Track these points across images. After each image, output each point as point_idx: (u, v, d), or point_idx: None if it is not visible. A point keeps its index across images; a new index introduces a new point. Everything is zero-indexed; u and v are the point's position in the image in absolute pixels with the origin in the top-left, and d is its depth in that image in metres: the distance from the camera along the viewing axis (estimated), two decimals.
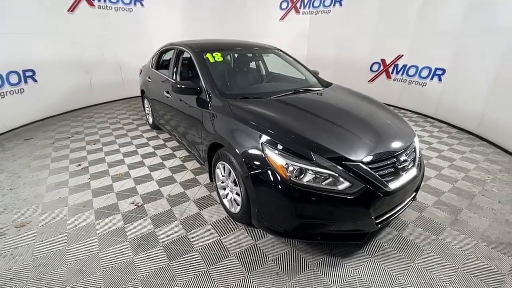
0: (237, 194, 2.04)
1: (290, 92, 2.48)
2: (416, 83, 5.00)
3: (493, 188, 2.67)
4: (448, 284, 1.64)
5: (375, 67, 5.64)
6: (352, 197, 1.56)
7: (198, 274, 1.70)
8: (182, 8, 6.77)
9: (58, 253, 1.86)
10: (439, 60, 4.54)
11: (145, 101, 4.34)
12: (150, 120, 4.26)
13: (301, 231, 1.68)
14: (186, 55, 3.00)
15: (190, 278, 1.67)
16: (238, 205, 2.04)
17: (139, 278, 1.67)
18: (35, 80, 4.54)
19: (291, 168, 1.60)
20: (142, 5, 6.01)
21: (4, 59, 4.08)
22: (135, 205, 2.39)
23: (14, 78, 4.22)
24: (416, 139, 2.06)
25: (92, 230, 2.09)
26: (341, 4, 5.81)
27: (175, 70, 3.09)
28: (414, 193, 2.03)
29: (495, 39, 3.70)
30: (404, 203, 1.91)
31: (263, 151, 1.70)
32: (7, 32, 4.08)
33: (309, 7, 6.37)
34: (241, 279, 1.67)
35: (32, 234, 2.05)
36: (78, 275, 1.69)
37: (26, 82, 4.41)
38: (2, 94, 4.07)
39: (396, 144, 1.83)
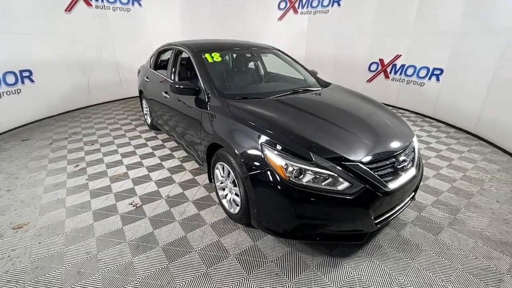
0: (236, 194, 2.03)
1: (289, 92, 2.48)
2: (414, 83, 5.02)
3: (491, 187, 2.68)
4: (447, 284, 1.64)
5: (373, 67, 5.65)
6: (351, 197, 1.56)
7: (197, 275, 1.69)
8: (180, 8, 6.76)
9: (56, 255, 1.85)
10: (437, 60, 4.55)
11: (143, 102, 4.32)
12: (149, 121, 4.25)
13: (301, 231, 1.68)
14: (184, 55, 3.00)
15: (190, 279, 1.66)
16: (237, 205, 2.03)
17: (138, 279, 1.66)
18: (32, 81, 4.51)
19: (290, 169, 1.60)
20: (140, 5, 5.99)
21: (0, 59, 4.04)
22: (134, 206, 2.38)
23: (10, 79, 4.19)
24: (415, 139, 2.06)
25: (90, 231, 2.07)
26: (339, 4, 5.81)
27: (173, 70, 3.08)
28: (413, 193, 2.03)
29: (493, 39, 3.71)
30: (403, 203, 1.91)
31: (262, 151, 1.70)
32: (2, 32, 4.04)
33: (307, 7, 6.37)
34: (241, 280, 1.66)
35: (29, 235, 2.03)
36: (76, 277, 1.68)
37: (23, 82, 4.38)
38: None
39: (395, 144, 1.83)
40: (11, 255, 1.85)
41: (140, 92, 4.34)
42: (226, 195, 2.20)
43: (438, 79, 4.61)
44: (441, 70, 4.53)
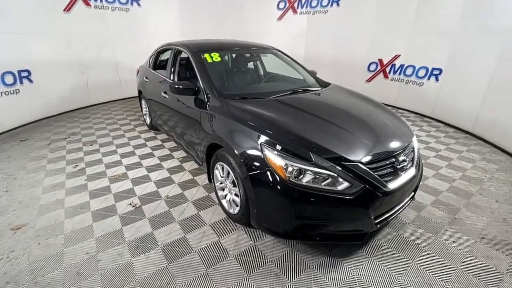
0: (235, 195, 2.03)
1: (289, 92, 2.48)
2: (413, 83, 5.03)
3: (490, 187, 2.69)
4: (447, 284, 1.64)
5: (372, 67, 5.66)
6: (351, 197, 1.56)
7: (197, 275, 1.69)
8: (180, 8, 6.75)
9: (55, 256, 1.84)
10: (436, 60, 4.56)
11: (143, 102, 4.31)
12: (148, 121, 4.24)
13: (301, 231, 1.68)
14: (183, 55, 2.99)
15: (189, 280, 1.66)
16: (237, 206, 2.03)
17: (137, 280, 1.65)
18: (30, 81, 4.50)
19: (290, 169, 1.59)
20: (139, 5, 5.98)
21: None
22: (133, 206, 2.37)
23: (9, 79, 4.17)
24: (414, 139, 2.06)
25: (89, 232, 2.06)
26: (338, 4, 5.82)
27: (172, 70, 3.08)
28: (413, 193, 2.03)
29: (492, 39, 3.72)
30: (403, 203, 1.91)
31: (262, 151, 1.70)
32: (0, 32, 4.02)
33: (306, 7, 6.37)
34: (241, 281, 1.66)
35: (28, 236, 2.02)
36: (75, 278, 1.67)
37: (21, 82, 4.37)
38: None
39: (394, 144, 1.83)
40: (10, 256, 1.84)
41: (139, 92, 4.33)
42: (226, 195, 2.19)
43: (437, 79, 4.62)
44: (440, 70, 4.54)
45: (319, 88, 2.72)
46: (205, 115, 2.29)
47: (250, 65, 3.41)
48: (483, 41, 3.83)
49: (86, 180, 2.81)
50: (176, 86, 2.38)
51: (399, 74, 5.24)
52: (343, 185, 1.58)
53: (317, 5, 6.17)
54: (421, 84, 4.89)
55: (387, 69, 5.42)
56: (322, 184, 1.58)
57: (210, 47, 2.92)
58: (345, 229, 1.70)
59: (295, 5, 6.52)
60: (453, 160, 3.26)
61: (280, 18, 6.81)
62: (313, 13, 6.29)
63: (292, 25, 6.67)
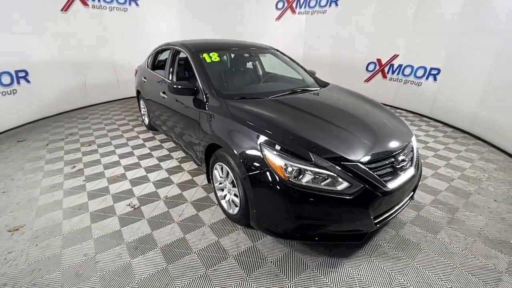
0: (235, 195, 2.02)
1: (288, 92, 2.47)
2: (412, 82, 5.04)
3: (488, 186, 2.70)
4: (446, 283, 1.65)
5: (371, 67, 5.67)
6: (351, 197, 1.56)
7: (196, 276, 1.68)
8: (179, 8, 6.73)
9: (53, 257, 1.83)
10: (434, 60, 4.57)
11: (141, 102, 4.30)
12: (146, 121, 4.22)
13: (300, 232, 1.68)
14: (182, 55, 2.98)
15: (189, 281, 1.65)
16: (236, 206, 2.02)
17: (136, 281, 1.65)
18: (28, 81, 4.47)
19: (289, 169, 1.59)
20: (137, 4, 5.96)
21: None
22: (132, 207, 2.36)
23: (6, 79, 4.15)
24: (413, 139, 2.07)
25: (88, 233, 2.05)
26: (336, 4, 5.82)
27: (171, 70, 3.06)
28: (412, 193, 2.04)
29: (490, 40, 3.73)
30: (402, 203, 1.91)
31: (261, 151, 1.69)
32: None
33: (305, 7, 6.38)
34: (240, 281, 1.65)
35: (26, 238, 2.01)
36: (74, 279, 1.66)
37: (18, 82, 4.34)
38: None
39: (394, 144, 1.83)
40: (7, 257, 1.83)
41: (138, 92, 4.32)
42: (225, 195, 2.19)
43: (435, 79, 4.63)
44: (438, 70, 4.55)
45: (318, 88, 2.72)
46: (204, 115, 2.29)
47: (249, 65, 3.40)
48: (482, 41, 3.84)
49: (84, 180, 2.79)
50: (175, 86, 2.37)
51: (398, 74, 5.25)
52: (343, 185, 1.57)
53: (315, 5, 6.18)
54: (420, 84, 4.90)
55: (386, 69, 5.44)
56: (322, 184, 1.58)
57: (209, 47, 2.91)
58: (345, 229, 1.70)
59: (294, 5, 6.52)
60: (452, 160, 3.27)
61: (278, 18, 6.81)
62: (312, 13, 6.29)
63: (291, 25, 6.67)
